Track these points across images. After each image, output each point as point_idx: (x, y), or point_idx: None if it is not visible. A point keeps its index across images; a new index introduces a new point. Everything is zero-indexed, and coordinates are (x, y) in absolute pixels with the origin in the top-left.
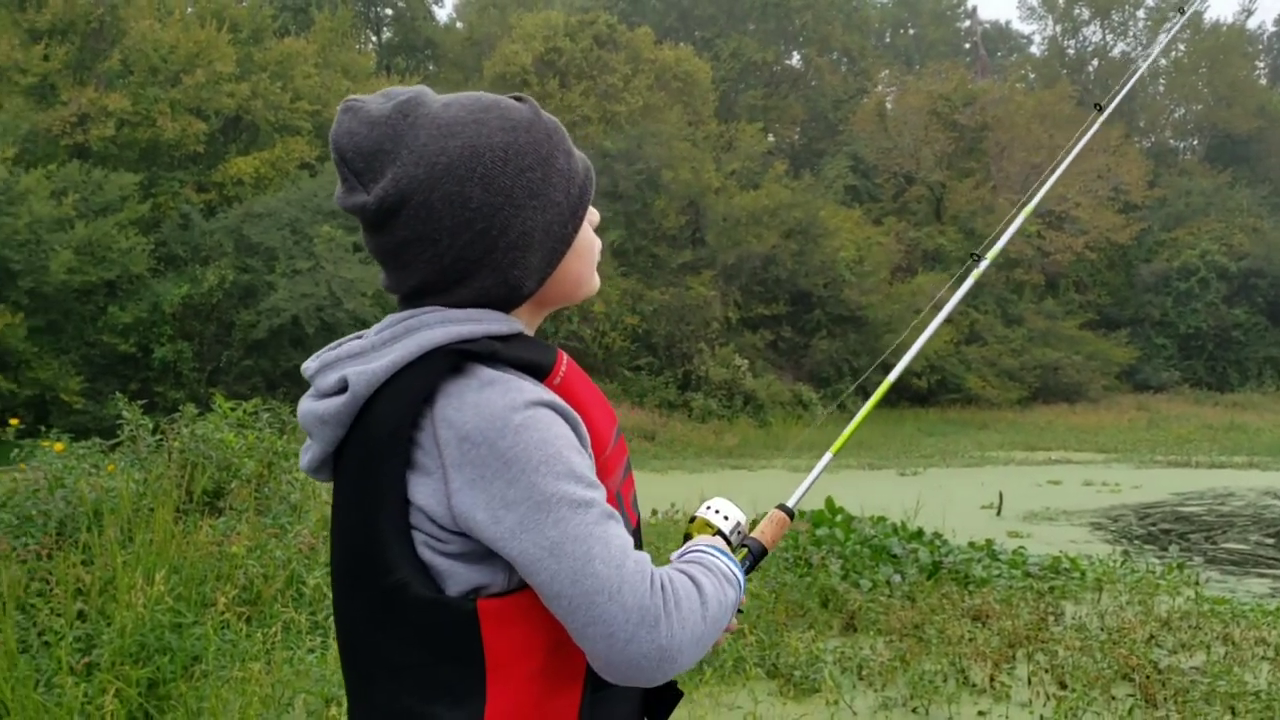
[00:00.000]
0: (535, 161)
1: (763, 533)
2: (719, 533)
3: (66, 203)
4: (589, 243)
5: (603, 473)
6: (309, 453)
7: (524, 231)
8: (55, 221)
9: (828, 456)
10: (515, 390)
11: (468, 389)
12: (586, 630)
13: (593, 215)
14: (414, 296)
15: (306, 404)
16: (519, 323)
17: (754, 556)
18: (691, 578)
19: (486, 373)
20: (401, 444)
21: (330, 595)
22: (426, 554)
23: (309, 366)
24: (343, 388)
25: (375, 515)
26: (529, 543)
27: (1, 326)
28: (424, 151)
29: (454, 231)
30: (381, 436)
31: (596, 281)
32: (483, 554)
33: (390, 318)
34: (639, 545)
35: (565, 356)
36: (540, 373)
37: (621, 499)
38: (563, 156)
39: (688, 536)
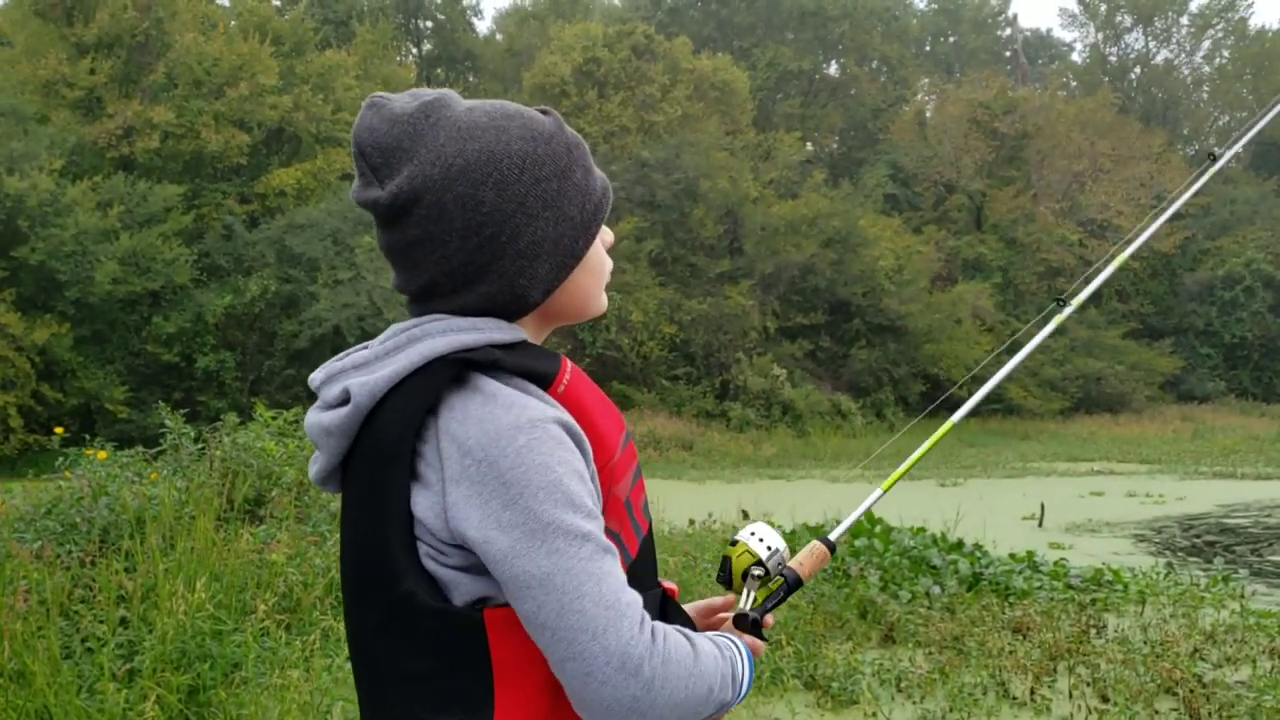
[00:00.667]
0: (552, 173)
1: (800, 564)
2: (758, 560)
3: (112, 214)
4: (600, 261)
5: (611, 478)
6: (316, 464)
7: (534, 241)
8: (101, 233)
9: (876, 493)
10: (520, 407)
11: (471, 402)
12: (565, 665)
13: (606, 235)
14: (421, 297)
15: (313, 416)
16: (523, 331)
17: (788, 586)
18: (692, 643)
19: (490, 384)
20: (405, 455)
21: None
22: (430, 565)
23: (315, 378)
24: (345, 399)
25: (382, 526)
26: (519, 569)
27: (48, 336)
28: (442, 152)
29: (464, 234)
30: (385, 447)
31: (604, 301)
32: (484, 566)
33: (394, 328)
34: (650, 551)
35: (569, 364)
36: (543, 381)
37: (631, 505)
38: (580, 172)
39: (726, 559)
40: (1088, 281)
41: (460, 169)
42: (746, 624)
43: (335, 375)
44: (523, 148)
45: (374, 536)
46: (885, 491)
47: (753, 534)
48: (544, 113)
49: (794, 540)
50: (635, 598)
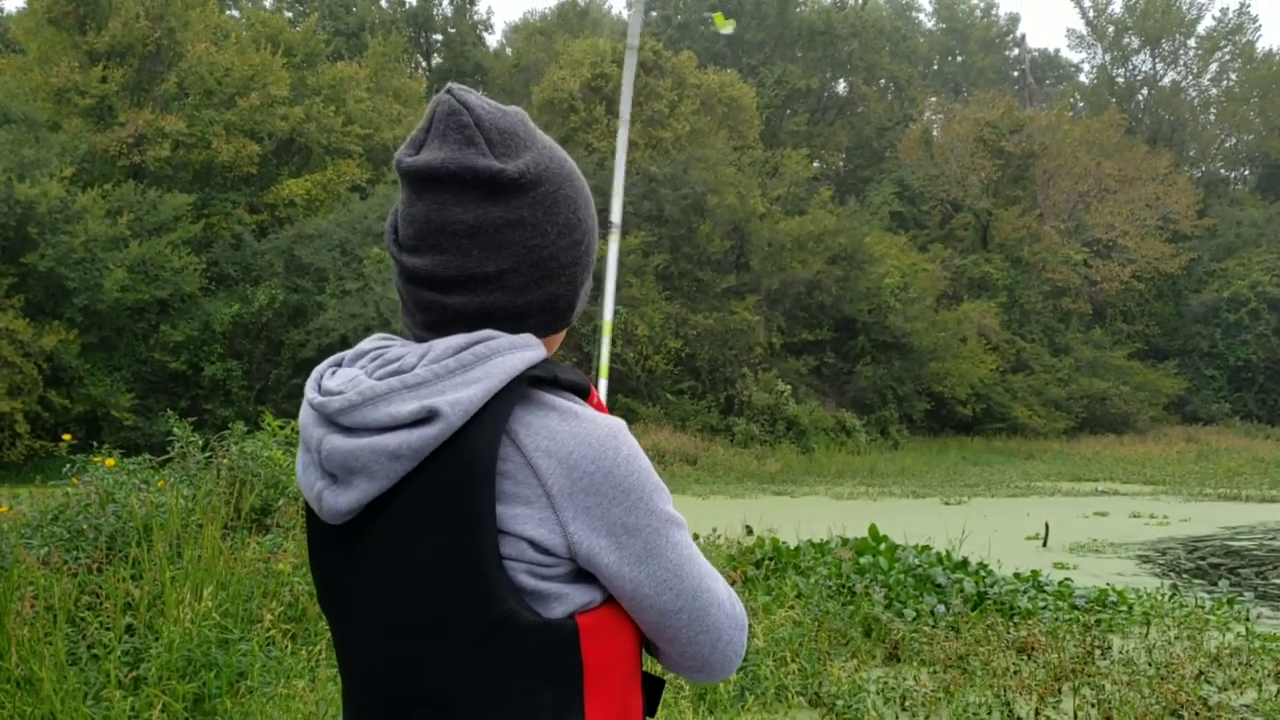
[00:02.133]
0: (591, 213)
1: None
2: None
3: (121, 222)
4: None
5: None
6: (349, 493)
7: (590, 261)
8: (110, 240)
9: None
10: (597, 418)
11: (549, 419)
12: (698, 638)
13: None
14: (481, 283)
15: (347, 441)
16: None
17: None
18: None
19: (554, 400)
20: (493, 474)
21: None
22: (529, 581)
23: (330, 401)
24: (423, 418)
25: (473, 548)
26: (655, 566)
27: (56, 343)
28: (554, 153)
29: (562, 229)
30: (477, 467)
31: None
32: (583, 573)
33: (445, 344)
34: None
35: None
36: (584, 393)
37: None
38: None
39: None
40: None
41: (569, 173)
42: None
43: (383, 395)
44: (581, 184)
45: (461, 561)
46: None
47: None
48: None
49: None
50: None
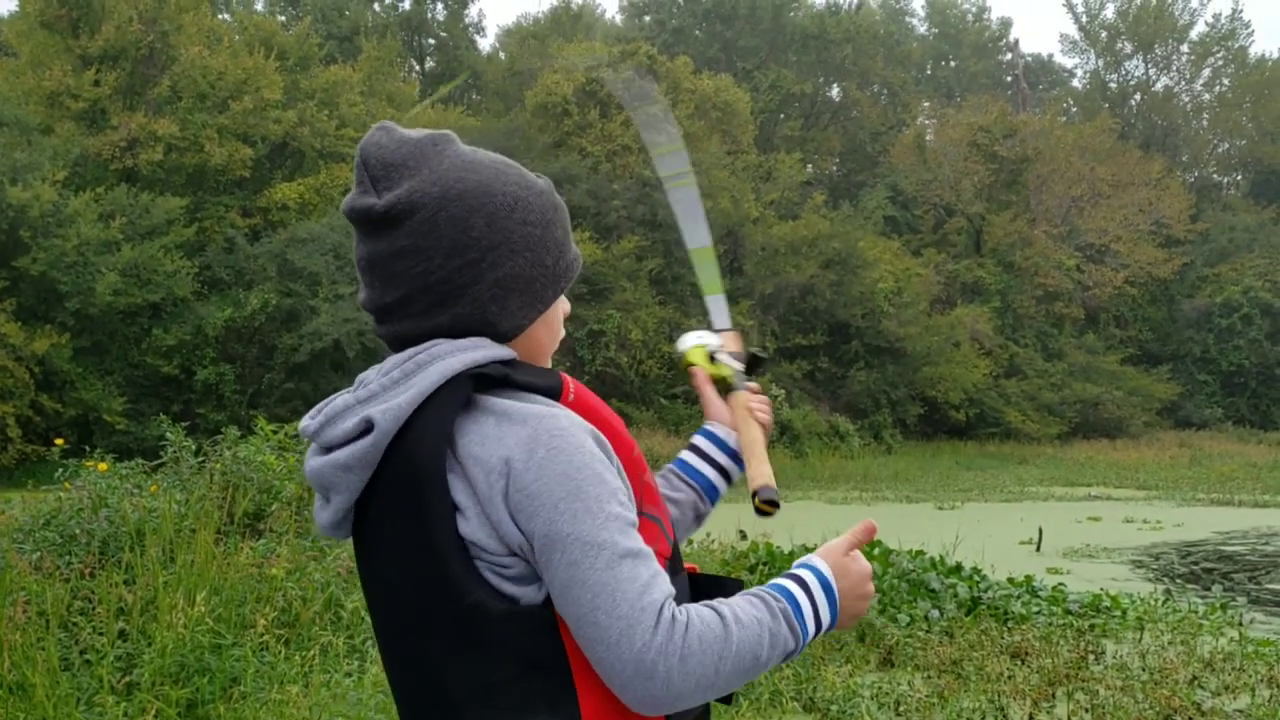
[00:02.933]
0: (538, 220)
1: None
2: (706, 346)
3: (114, 226)
4: (557, 321)
5: (638, 468)
6: (328, 509)
7: (511, 275)
8: (102, 244)
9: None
10: (535, 418)
11: (485, 424)
12: (595, 668)
13: (564, 305)
14: (390, 312)
15: (317, 460)
16: (512, 351)
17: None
18: (724, 621)
19: (499, 403)
20: (442, 471)
21: (370, 627)
22: (492, 576)
23: (308, 425)
24: (364, 430)
25: (433, 545)
26: (549, 577)
27: (47, 347)
28: (444, 176)
29: (449, 253)
30: (421, 466)
31: (549, 364)
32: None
33: (393, 359)
34: (677, 559)
35: (570, 378)
36: (552, 394)
37: (657, 493)
38: (560, 231)
39: (691, 366)
40: None
41: (458, 193)
42: (757, 365)
43: (340, 413)
44: (517, 191)
45: (429, 555)
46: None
47: (685, 340)
48: (537, 176)
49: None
50: (654, 598)
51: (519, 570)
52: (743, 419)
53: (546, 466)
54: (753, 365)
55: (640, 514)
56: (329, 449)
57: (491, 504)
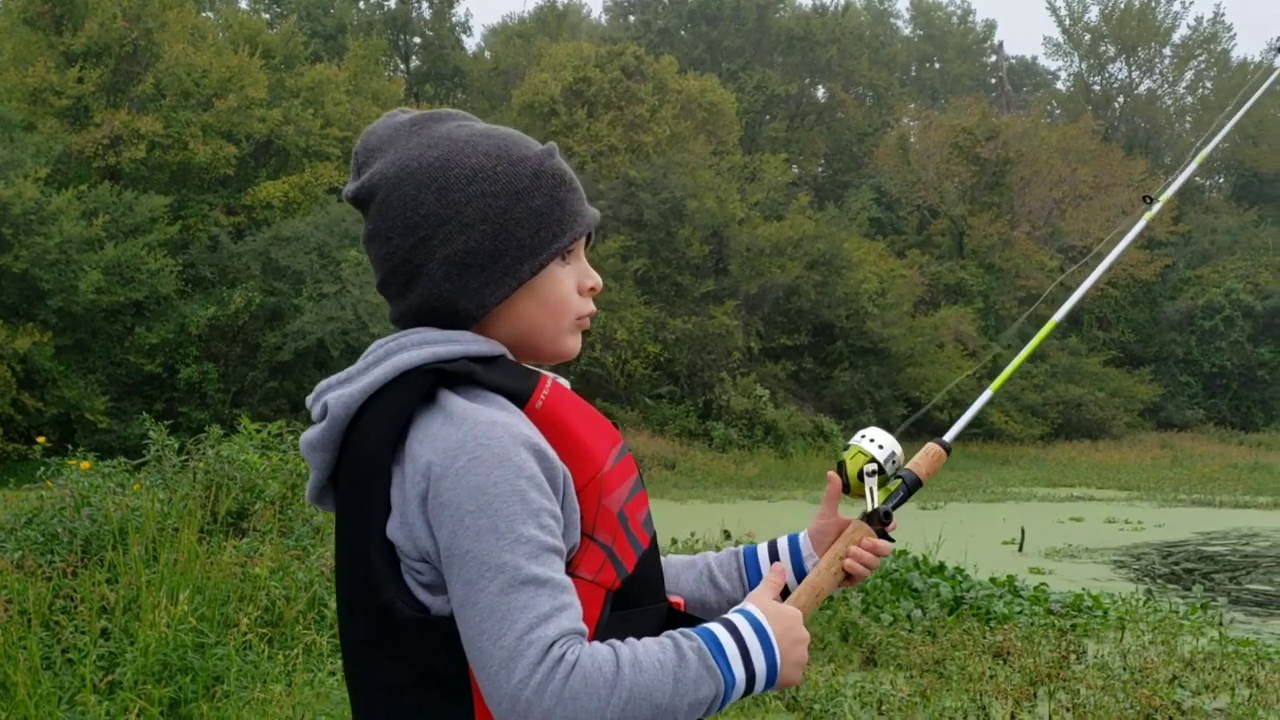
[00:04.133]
0: (503, 190)
1: (917, 464)
2: (873, 459)
3: (97, 223)
4: (557, 297)
5: (600, 490)
6: (310, 481)
7: (466, 250)
8: (85, 242)
9: (986, 394)
10: (471, 423)
11: (434, 421)
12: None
13: (586, 278)
14: (384, 296)
15: (305, 434)
16: (501, 346)
17: (907, 486)
18: (619, 665)
19: (454, 402)
20: (382, 467)
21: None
22: (408, 578)
23: (309, 398)
24: (324, 413)
25: (364, 537)
26: (450, 592)
27: (30, 345)
28: (405, 154)
29: (402, 232)
30: (362, 459)
31: (567, 343)
32: None
33: (376, 343)
34: (652, 566)
35: (550, 380)
36: (519, 399)
37: (626, 518)
38: (544, 200)
39: (841, 463)
40: (1171, 184)
41: (412, 171)
42: (877, 519)
43: (320, 393)
44: (480, 162)
45: (358, 547)
46: (994, 392)
47: (864, 436)
48: (543, 144)
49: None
50: (544, 634)
51: (431, 578)
52: (832, 559)
53: (463, 477)
54: (885, 514)
55: (588, 538)
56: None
57: (410, 506)
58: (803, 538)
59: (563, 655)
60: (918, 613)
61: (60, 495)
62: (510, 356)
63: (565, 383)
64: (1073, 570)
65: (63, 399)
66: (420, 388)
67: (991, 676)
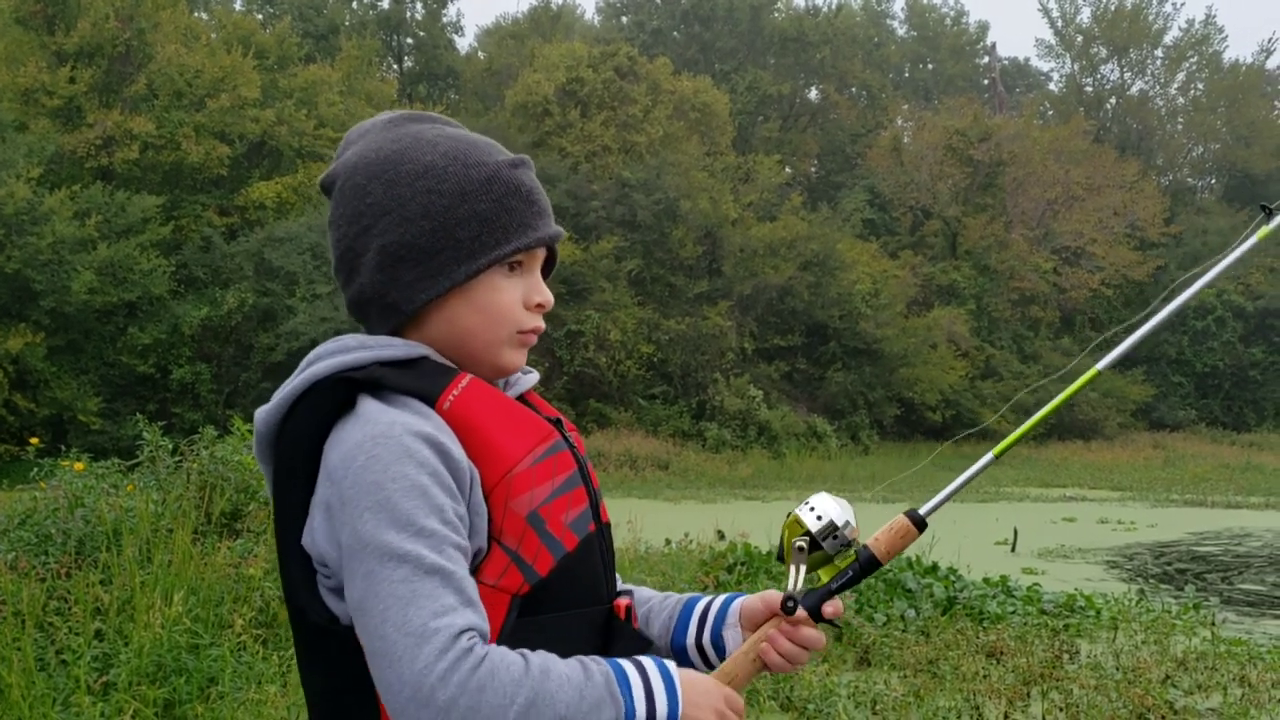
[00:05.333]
0: (451, 190)
1: (877, 541)
2: (807, 532)
3: (89, 224)
4: (495, 305)
5: (507, 492)
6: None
7: (401, 243)
8: (78, 242)
9: (986, 458)
10: (372, 423)
11: (345, 427)
12: (378, 690)
13: (535, 293)
14: (335, 278)
15: None
16: (424, 349)
17: (860, 565)
18: (528, 668)
19: (366, 405)
20: (296, 477)
21: None
22: (321, 587)
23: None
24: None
25: (283, 545)
26: (350, 592)
27: (22, 346)
28: (368, 146)
29: (348, 221)
30: (281, 470)
31: (507, 355)
32: None
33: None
34: (579, 568)
35: (466, 380)
36: (428, 399)
37: (541, 520)
38: (492, 206)
39: (783, 538)
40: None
41: (367, 162)
42: (786, 608)
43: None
44: (434, 160)
45: (280, 557)
46: (997, 456)
47: (808, 504)
48: (517, 156)
49: (767, 560)
50: (452, 622)
51: (336, 583)
52: (751, 645)
53: (362, 474)
54: (790, 601)
55: (495, 541)
56: None
57: (317, 511)
58: (734, 606)
59: (471, 647)
60: (911, 613)
61: (54, 496)
62: (436, 358)
63: (536, 381)
64: (1066, 570)
65: (55, 400)
66: (332, 398)
67: (985, 676)
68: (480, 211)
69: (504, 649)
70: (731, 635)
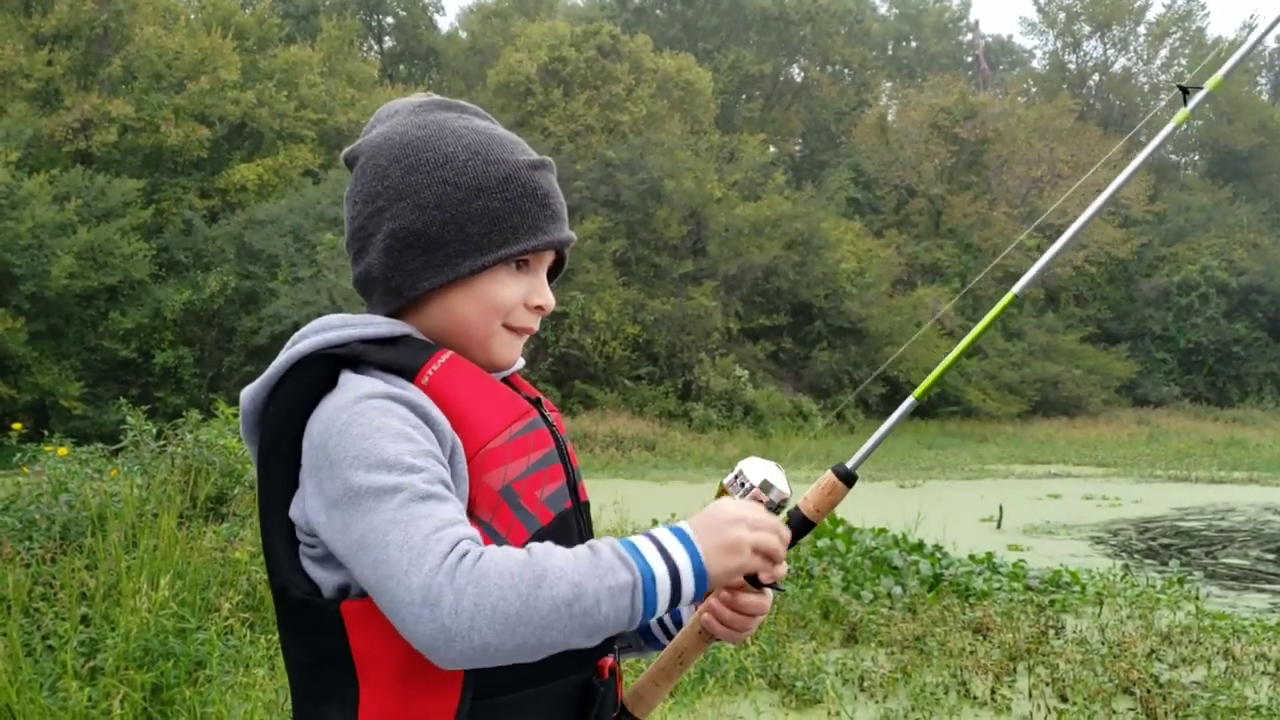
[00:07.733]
0: (467, 184)
1: (806, 500)
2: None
3: (69, 208)
4: (497, 299)
5: (480, 467)
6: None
7: (411, 229)
8: (58, 226)
9: (908, 402)
10: (352, 389)
11: (328, 401)
12: (390, 619)
13: (536, 296)
14: (347, 251)
15: None
16: (407, 327)
17: (792, 527)
18: (534, 553)
19: (346, 380)
20: (281, 453)
21: None
22: (305, 559)
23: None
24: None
25: (268, 521)
26: (347, 540)
27: (2, 331)
28: (395, 128)
29: (364, 199)
30: (266, 447)
31: (500, 349)
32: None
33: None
34: (557, 541)
35: (446, 355)
36: (406, 374)
37: (515, 494)
38: (505, 205)
39: None
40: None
41: (391, 144)
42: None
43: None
44: (455, 152)
45: (265, 534)
46: (918, 400)
47: (735, 471)
48: (541, 157)
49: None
50: (455, 532)
51: (321, 551)
52: (698, 615)
53: (346, 430)
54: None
55: (470, 516)
56: None
57: (305, 479)
58: None
59: (469, 549)
60: (898, 590)
61: (37, 481)
62: (419, 337)
63: (521, 366)
64: (1051, 547)
65: (37, 385)
66: (315, 374)
67: (971, 652)
68: (493, 209)
69: (488, 548)
70: (688, 611)
